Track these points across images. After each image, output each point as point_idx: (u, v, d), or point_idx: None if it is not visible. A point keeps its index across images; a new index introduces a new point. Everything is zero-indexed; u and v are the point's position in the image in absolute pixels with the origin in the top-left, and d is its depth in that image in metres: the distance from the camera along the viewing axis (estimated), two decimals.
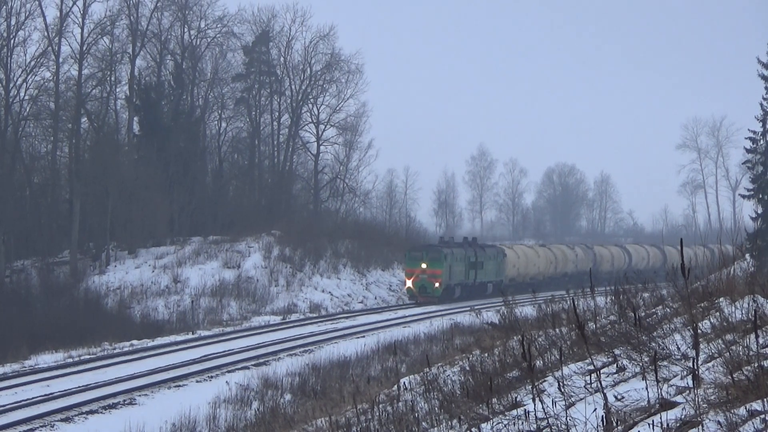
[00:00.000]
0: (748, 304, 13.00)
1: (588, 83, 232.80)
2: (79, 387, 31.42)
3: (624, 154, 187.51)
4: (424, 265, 62.38)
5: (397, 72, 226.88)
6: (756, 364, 10.01)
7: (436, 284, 62.58)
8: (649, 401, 10.62)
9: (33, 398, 29.27)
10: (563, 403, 11.57)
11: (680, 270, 10.57)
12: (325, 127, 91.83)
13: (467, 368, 18.06)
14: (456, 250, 65.00)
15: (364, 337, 45.85)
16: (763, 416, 8.95)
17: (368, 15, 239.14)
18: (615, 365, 13.01)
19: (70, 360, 38.17)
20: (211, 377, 34.37)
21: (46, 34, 71.69)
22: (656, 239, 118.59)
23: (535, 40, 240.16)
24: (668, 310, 16.04)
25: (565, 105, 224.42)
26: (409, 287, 63.47)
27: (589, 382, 12.39)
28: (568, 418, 10.63)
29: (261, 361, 38.29)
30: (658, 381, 10.53)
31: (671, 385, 10.94)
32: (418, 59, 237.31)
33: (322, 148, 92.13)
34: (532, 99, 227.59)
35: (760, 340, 11.01)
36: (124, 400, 29.54)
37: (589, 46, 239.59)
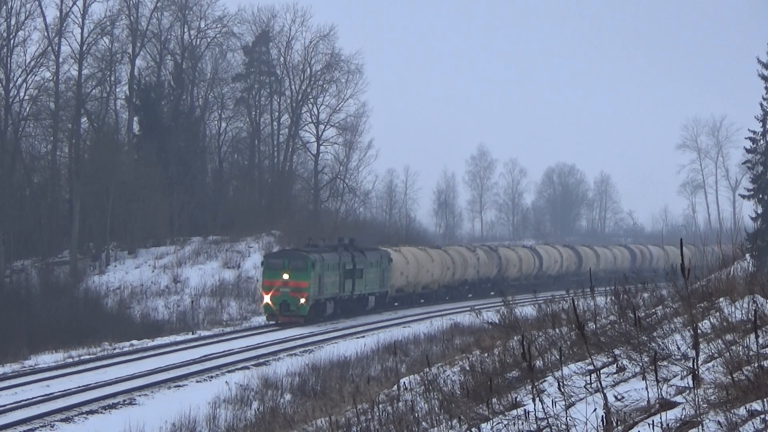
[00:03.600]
0: (748, 304, 13.00)
1: (588, 83, 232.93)
2: (79, 387, 31.40)
3: (624, 154, 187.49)
4: (286, 276, 49.49)
5: (397, 72, 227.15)
6: (756, 364, 10.01)
7: (302, 300, 49.60)
8: (649, 401, 10.63)
9: (33, 398, 29.23)
10: (563, 403, 11.57)
11: (680, 270, 10.58)
12: (325, 127, 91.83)
13: (467, 368, 18.09)
14: (327, 255, 52.18)
15: (363, 337, 45.85)
16: (763, 416, 8.96)
17: (368, 15, 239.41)
18: (615, 365, 13.02)
19: (70, 360, 38.12)
20: (211, 377, 34.36)
21: (46, 34, 71.86)
22: (656, 239, 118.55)
23: (536, 40, 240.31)
24: (668, 310, 16.04)
25: (565, 105, 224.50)
26: (266, 304, 50.06)
27: (589, 382, 12.40)
28: (568, 418, 10.64)
29: (261, 361, 38.27)
30: (658, 381, 10.53)
31: (671, 385, 10.94)
32: (419, 59, 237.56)
33: (322, 148, 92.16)
34: (532, 99, 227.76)
35: (760, 340, 11.01)
36: (124, 400, 29.52)
37: (589, 47, 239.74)
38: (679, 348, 12.31)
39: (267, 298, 49.80)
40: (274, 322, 50.15)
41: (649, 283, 18.45)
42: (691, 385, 10.46)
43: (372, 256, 57.03)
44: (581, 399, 11.70)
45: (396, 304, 61.53)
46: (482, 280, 72.29)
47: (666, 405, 10.35)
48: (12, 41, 70.35)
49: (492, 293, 70.56)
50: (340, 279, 53.17)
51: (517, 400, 13.42)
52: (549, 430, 10.81)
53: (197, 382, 33.51)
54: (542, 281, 77.53)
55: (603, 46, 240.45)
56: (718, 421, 9.20)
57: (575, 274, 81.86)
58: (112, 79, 77.94)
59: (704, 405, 9.72)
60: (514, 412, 12.32)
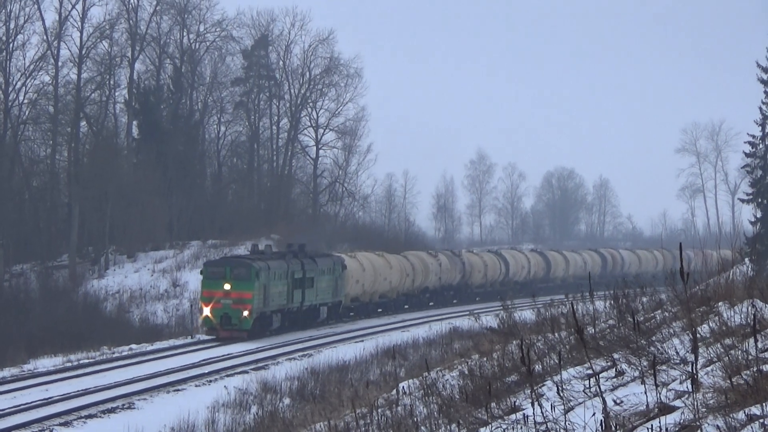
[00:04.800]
0: (747, 309, 13.01)
1: (587, 87, 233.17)
2: (78, 391, 31.34)
3: (623, 158, 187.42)
4: (227, 286, 45.18)
5: (396, 76, 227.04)
6: (755, 369, 10.03)
7: (245, 313, 45.11)
8: (648, 405, 10.64)
9: (32, 402, 29.17)
10: (562, 407, 11.58)
11: (679, 275, 10.60)
12: (324, 131, 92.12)
13: (466, 372, 18.11)
14: (274, 263, 47.75)
15: (362, 341, 45.82)
16: (762, 420, 8.97)
17: (367, 19, 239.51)
18: (614, 369, 13.04)
19: (69, 364, 38.07)
20: (210, 381, 34.37)
21: (45, 37, 71.94)
22: (655, 243, 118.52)
23: (535, 44, 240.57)
24: (667, 314, 16.06)
25: (564, 109, 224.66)
26: (206, 317, 45.57)
27: (588, 386, 12.43)
28: (567, 423, 10.67)
29: (260, 365, 38.27)
30: (657, 385, 10.55)
31: (670, 390, 10.96)
32: (418, 63, 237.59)
33: (321, 152, 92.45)
34: (531, 103, 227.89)
35: (759, 345, 11.03)
36: (123, 405, 29.52)
37: (588, 50, 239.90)
38: (678, 352, 12.33)
39: (206, 311, 45.32)
40: (214, 337, 45.62)
41: (648, 287, 18.49)
42: (690, 390, 10.48)
43: (324, 264, 52.62)
44: (580, 403, 11.70)
45: (351, 314, 57.47)
46: (444, 288, 68.44)
47: (665, 409, 10.37)
48: (11, 45, 70.45)
49: (455, 301, 68.71)
50: (288, 289, 48.71)
51: (516, 404, 13.43)
52: None
53: (196, 386, 33.53)
54: (509, 288, 73.15)
55: (602, 50, 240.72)
56: (717, 426, 9.21)
57: (543, 281, 79.12)
58: (112, 83, 78.07)
59: (703, 409, 9.73)
60: (513, 416, 12.33)
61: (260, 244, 69.09)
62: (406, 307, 63.57)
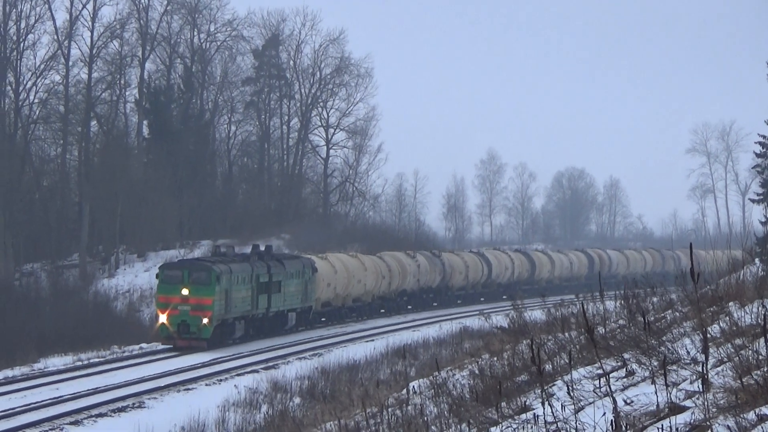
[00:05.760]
0: (758, 309, 13.00)
1: (598, 87, 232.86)
2: (89, 390, 31.48)
3: (633, 159, 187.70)
4: (185, 291, 41.67)
5: (407, 76, 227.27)
6: (765, 369, 10.03)
7: (204, 320, 41.54)
8: (658, 405, 10.65)
9: (42, 401, 29.31)
10: (572, 407, 11.61)
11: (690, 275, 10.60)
12: (335, 130, 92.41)
13: (476, 372, 18.16)
14: (237, 266, 44.31)
15: (373, 340, 45.88)
16: None
17: (378, 19, 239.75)
18: (624, 369, 13.07)
19: (80, 363, 38.22)
20: (220, 380, 34.49)
21: (55, 37, 72.16)
22: (666, 243, 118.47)
23: (544, 44, 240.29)
24: (677, 314, 16.06)
25: (575, 109, 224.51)
26: (162, 324, 41.88)
27: (598, 386, 12.45)
28: (577, 423, 10.69)
29: (270, 364, 38.38)
30: (667, 385, 10.56)
31: (680, 389, 10.96)
32: (427, 63, 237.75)
33: (331, 151, 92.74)
34: (542, 103, 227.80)
35: None
36: (133, 403, 29.65)
37: (598, 51, 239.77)
38: (688, 352, 12.33)
39: (163, 318, 41.65)
40: (171, 346, 41.96)
41: (658, 287, 18.51)
42: (701, 390, 10.49)
43: (292, 266, 49.04)
44: (590, 403, 11.72)
45: (323, 319, 54.19)
46: (423, 290, 64.98)
47: (675, 409, 10.37)
48: (22, 45, 70.66)
49: (435, 304, 66.47)
50: (253, 294, 45.07)
51: (527, 404, 13.45)
52: None
53: (206, 385, 33.65)
54: (491, 290, 72.83)
55: (612, 50, 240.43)
56: (728, 426, 9.21)
57: (528, 282, 76.20)
58: (122, 82, 78.29)
59: (713, 409, 9.74)
60: (524, 416, 12.37)
61: (270, 243, 69.06)
62: (382, 311, 60.00)
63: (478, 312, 39.05)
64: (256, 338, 45.94)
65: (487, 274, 72.17)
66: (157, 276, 42.98)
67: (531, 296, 60.12)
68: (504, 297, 70.82)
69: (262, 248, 49.63)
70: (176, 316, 41.54)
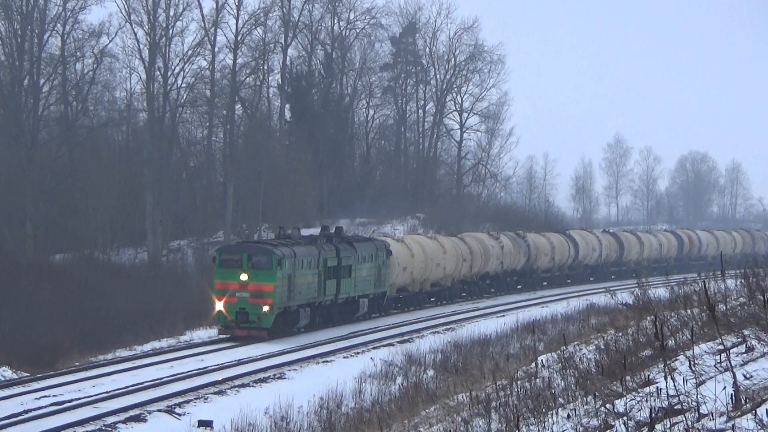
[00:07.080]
0: None
1: (722, 71, 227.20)
2: (232, 362, 32.56)
3: (756, 141, 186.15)
4: (244, 277, 38.18)
5: (538, 61, 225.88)
6: None
7: (264, 308, 37.95)
8: None
9: (188, 372, 30.36)
10: (694, 381, 11.95)
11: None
12: (468, 115, 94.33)
13: (602, 347, 18.49)
14: (301, 249, 40.50)
15: (503, 316, 46.35)
16: None
17: (511, 5, 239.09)
18: (744, 345, 13.27)
19: (223, 336, 39.05)
20: (357, 353, 35.30)
21: (202, 24, 74.21)
22: None
23: (672, 29, 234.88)
24: None
25: (699, 93, 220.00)
26: (219, 312, 38.40)
27: (719, 361, 12.69)
28: (698, 396, 11.04)
29: (405, 338, 39.12)
30: None
31: None
32: (558, 49, 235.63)
33: (465, 135, 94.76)
34: (667, 88, 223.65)
35: None
36: (274, 375, 30.61)
37: (720, 34, 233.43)
38: None
39: (219, 305, 38.12)
40: (228, 336, 38.69)
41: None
42: None
43: (364, 249, 45.45)
44: (711, 377, 12.03)
45: (399, 305, 50.96)
46: (507, 273, 61.52)
47: None
48: (171, 32, 72.97)
49: (519, 287, 63.13)
50: (320, 279, 41.38)
51: (650, 377, 13.78)
52: (680, 406, 11.16)
53: (344, 357, 34.54)
54: (578, 272, 70.14)
55: (735, 33, 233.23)
56: None
57: (616, 264, 74.13)
58: (265, 67, 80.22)
59: None
60: (647, 389, 12.75)
61: (406, 222, 69.00)
62: (464, 295, 57.09)
63: (604, 289, 39.06)
64: (324, 327, 42.26)
65: (573, 256, 69.29)
66: (214, 259, 39.62)
67: (620, 279, 58.93)
68: (591, 279, 70.45)
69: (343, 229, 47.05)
70: (234, 304, 38.01)
